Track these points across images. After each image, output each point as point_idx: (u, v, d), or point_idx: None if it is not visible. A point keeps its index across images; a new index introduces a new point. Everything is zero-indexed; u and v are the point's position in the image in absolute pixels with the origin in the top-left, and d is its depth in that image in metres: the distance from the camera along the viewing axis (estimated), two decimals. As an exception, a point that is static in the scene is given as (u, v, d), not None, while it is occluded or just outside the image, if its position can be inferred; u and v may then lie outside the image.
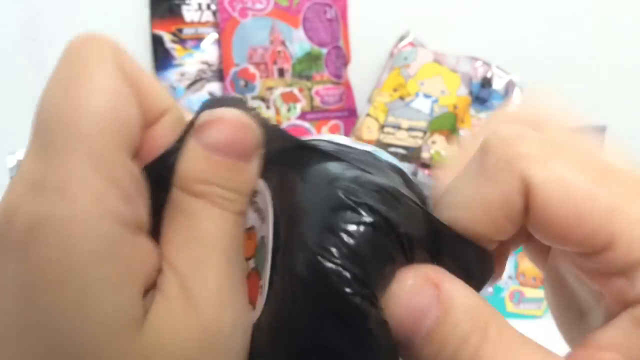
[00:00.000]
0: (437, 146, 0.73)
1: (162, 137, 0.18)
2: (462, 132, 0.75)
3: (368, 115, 0.76)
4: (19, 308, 0.14)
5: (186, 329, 0.15)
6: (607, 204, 0.15)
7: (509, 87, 0.80)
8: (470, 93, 0.78)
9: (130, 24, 0.79)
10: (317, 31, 0.79)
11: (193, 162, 0.17)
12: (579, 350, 0.16)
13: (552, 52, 0.85)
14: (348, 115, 0.82)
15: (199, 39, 0.79)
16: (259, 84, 0.78)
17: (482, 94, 0.80)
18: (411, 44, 0.80)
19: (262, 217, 0.18)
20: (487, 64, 0.80)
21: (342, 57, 0.81)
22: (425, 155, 0.72)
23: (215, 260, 0.16)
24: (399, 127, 0.74)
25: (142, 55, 0.79)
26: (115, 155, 0.15)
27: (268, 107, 0.78)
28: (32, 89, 0.79)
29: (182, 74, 0.78)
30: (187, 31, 0.79)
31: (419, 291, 0.15)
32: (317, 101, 0.80)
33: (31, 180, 0.15)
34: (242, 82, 0.78)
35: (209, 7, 0.79)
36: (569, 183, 0.15)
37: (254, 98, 0.78)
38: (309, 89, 0.79)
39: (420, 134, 0.73)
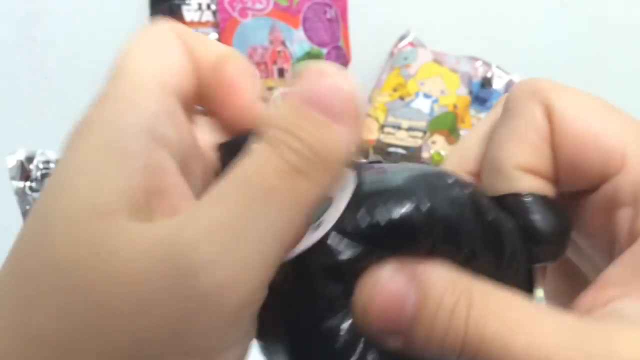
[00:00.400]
0: (437, 146, 0.73)
1: (236, 77, 0.18)
2: (462, 132, 0.75)
3: (368, 115, 0.76)
4: None
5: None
6: (620, 128, 0.17)
7: (509, 87, 0.80)
8: (470, 93, 0.78)
9: (130, 24, 0.79)
10: (317, 31, 0.79)
11: (278, 108, 0.15)
12: (586, 293, 0.16)
13: (552, 52, 0.85)
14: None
15: (199, 39, 0.79)
16: (259, 84, 0.78)
17: (482, 94, 0.80)
18: (411, 44, 0.80)
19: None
20: (487, 64, 0.80)
21: (342, 57, 0.81)
22: (425, 155, 0.72)
23: (237, 198, 0.14)
24: (399, 127, 0.74)
25: (142, 55, 0.79)
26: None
27: (268, 107, 0.78)
28: (32, 89, 0.79)
29: (182, 74, 0.78)
30: (187, 31, 0.79)
31: (391, 280, 0.15)
32: (317, 101, 0.80)
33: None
34: (242, 82, 0.78)
35: (209, 7, 0.79)
36: (587, 107, 0.17)
37: (254, 98, 0.78)
38: (309, 89, 0.80)
39: (420, 134, 0.73)
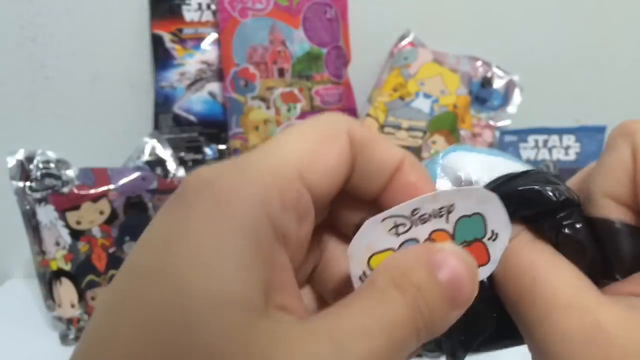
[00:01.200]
0: (437, 146, 0.73)
1: (419, 182, 0.20)
2: (462, 132, 0.75)
3: (368, 115, 0.76)
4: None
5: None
6: None
7: (509, 87, 0.80)
8: (470, 93, 0.78)
9: (130, 24, 0.79)
10: (317, 31, 0.79)
11: (411, 263, 0.18)
12: (613, 285, 0.20)
13: (552, 52, 0.85)
14: (348, 115, 0.82)
15: (199, 39, 0.79)
16: (259, 84, 0.78)
17: (482, 93, 0.80)
18: (411, 44, 0.80)
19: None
20: (487, 64, 0.80)
21: (342, 57, 0.81)
22: (425, 155, 0.72)
23: (380, 342, 0.16)
24: (399, 127, 0.74)
25: (142, 55, 0.79)
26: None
27: (268, 107, 0.78)
28: (32, 88, 0.79)
29: (182, 74, 0.78)
30: (187, 31, 0.79)
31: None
32: (317, 101, 0.80)
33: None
34: (242, 82, 0.78)
35: (209, 7, 0.79)
36: None
37: (254, 98, 0.78)
38: (309, 89, 0.79)
39: (420, 134, 0.73)
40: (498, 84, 0.80)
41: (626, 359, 0.17)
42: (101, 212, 0.67)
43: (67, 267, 0.67)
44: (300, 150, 0.17)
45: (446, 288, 0.17)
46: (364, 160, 0.19)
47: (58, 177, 0.67)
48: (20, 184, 0.66)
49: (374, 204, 0.20)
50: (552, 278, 0.19)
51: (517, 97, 0.80)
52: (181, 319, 0.14)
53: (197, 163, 0.79)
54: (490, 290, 0.22)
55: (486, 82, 0.80)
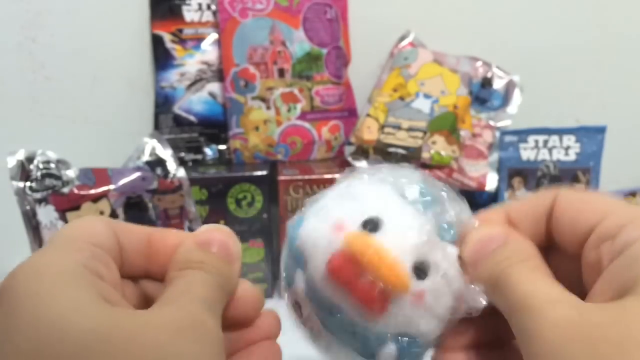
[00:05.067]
0: (437, 146, 0.73)
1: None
2: (462, 132, 0.75)
3: (368, 115, 0.76)
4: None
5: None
6: (604, 199, 0.23)
7: (509, 87, 0.80)
8: (470, 93, 0.78)
9: (130, 24, 0.79)
10: (317, 31, 0.79)
11: (189, 252, 0.25)
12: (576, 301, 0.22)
13: (552, 52, 0.85)
14: (348, 115, 0.82)
15: (199, 39, 0.79)
16: (259, 84, 0.78)
17: (482, 94, 0.80)
18: (411, 44, 0.80)
19: None
20: (487, 64, 0.80)
21: (342, 57, 0.81)
22: (425, 155, 0.72)
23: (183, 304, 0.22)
24: (399, 127, 0.74)
25: (142, 55, 0.79)
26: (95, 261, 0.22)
27: (268, 107, 0.78)
28: (32, 89, 0.79)
29: (182, 74, 0.78)
30: (187, 31, 0.79)
31: (495, 230, 0.25)
32: (317, 101, 0.80)
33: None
34: (242, 82, 0.78)
35: (209, 7, 0.79)
36: (581, 194, 0.24)
37: (254, 98, 0.78)
38: (309, 89, 0.79)
39: (420, 134, 0.73)
40: (498, 84, 0.80)
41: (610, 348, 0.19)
42: (101, 212, 0.67)
43: (67, 267, 0.67)
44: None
45: (220, 253, 0.25)
46: None
47: (58, 178, 0.67)
48: (21, 184, 0.66)
49: None
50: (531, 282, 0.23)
51: (517, 97, 0.80)
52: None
53: (197, 163, 0.79)
54: None
55: (486, 83, 0.80)
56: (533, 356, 0.20)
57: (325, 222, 0.26)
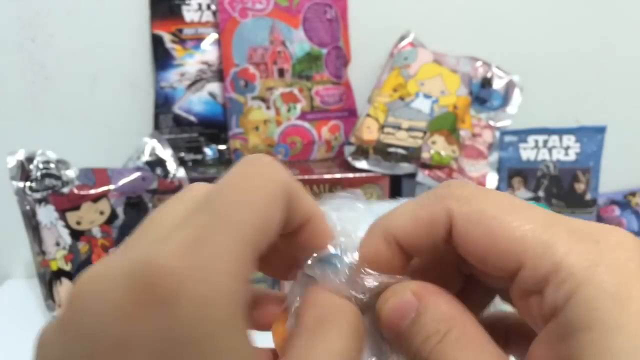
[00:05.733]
0: (437, 146, 0.73)
1: (304, 243, 0.21)
2: (462, 132, 0.75)
3: (368, 115, 0.76)
4: None
5: None
6: (517, 230, 0.18)
7: (509, 87, 0.80)
8: (470, 93, 0.78)
9: (130, 24, 0.79)
10: (317, 31, 0.79)
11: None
12: None
13: (552, 52, 0.85)
14: (348, 115, 0.82)
15: (199, 39, 0.79)
16: (259, 84, 0.78)
17: (482, 94, 0.80)
18: (411, 44, 0.80)
19: None
20: (487, 64, 0.80)
21: (342, 57, 0.81)
22: (425, 155, 0.72)
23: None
24: (399, 127, 0.74)
25: (142, 55, 0.79)
26: (250, 250, 0.17)
27: (268, 107, 0.78)
28: (32, 89, 0.79)
29: (182, 74, 0.78)
30: (187, 31, 0.79)
31: (403, 299, 0.20)
32: (317, 101, 0.80)
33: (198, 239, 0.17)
34: (242, 82, 0.78)
35: (209, 7, 0.79)
36: (485, 215, 0.19)
37: (254, 98, 0.78)
38: (309, 89, 0.79)
39: (420, 134, 0.73)
40: (498, 84, 0.80)
41: None
42: (101, 212, 0.67)
43: (67, 267, 0.67)
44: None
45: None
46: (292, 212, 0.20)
47: (58, 177, 0.67)
48: (21, 184, 0.66)
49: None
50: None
51: (517, 97, 0.80)
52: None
53: (197, 163, 0.79)
54: None
55: (486, 83, 0.80)
56: None
57: None
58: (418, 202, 0.21)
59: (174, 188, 0.71)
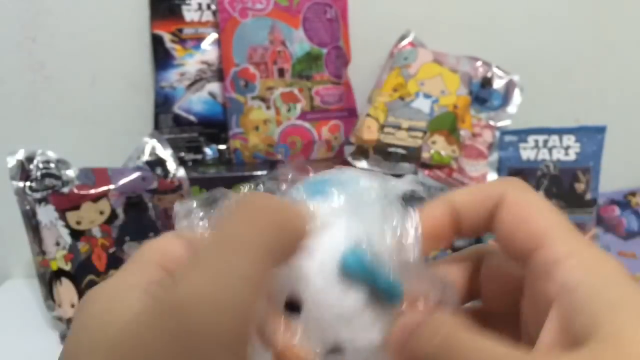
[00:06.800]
0: (437, 146, 0.73)
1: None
2: (462, 132, 0.75)
3: (368, 115, 0.76)
4: None
5: None
6: (548, 220, 0.22)
7: (509, 87, 0.80)
8: (470, 93, 0.78)
9: (130, 24, 0.79)
10: (317, 31, 0.79)
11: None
12: (528, 356, 0.20)
13: (552, 52, 0.85)
14: (348, 115, 0.82)
15: (199, 39, 0.79)
16: (259, 84, 0.78)
17: (482, 94, 0.80)
18: (411, 44, 0.80)
19: None
20: (487, 64, 0.80)
21: (342, 57, 0.81)
22: (425, 155, 0.72)
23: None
24: (399, 127, 0.74)
25: (142, 55, 0.79)
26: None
27: (268, 107, 0.78)
28: (32, 88, 0.79)
29: (182, 74, 0.78)
30: (187, 31, 0.79)
31: (412, 318, 0.22)
32: (317, 101, 0.80)
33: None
34: (242, 82, 0.78)
35: (209, 7, 0.79)
36: (529, 203, 0.22)
37: (254, 98, 0.78)
38: (309, 89, 0.79)
39: (420, 134, 0.73)
40: (498, 84, 0.80)
41: None
42: (101, 212, 0.67)
43: (67, 267, 0.67)
44: None
45: None
46: None
47: (58, 177, 0.67)
48: (20, 184, 0.66)
49: None
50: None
51: (517, 97, 0.80)
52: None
53: (197, 163, 0.79)
54: None
55: (486, 82, 0.80)
56: None
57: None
58: (483, 183, 0.24)
59: (174, 188, 0.71)
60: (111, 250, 0.68)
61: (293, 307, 0.23)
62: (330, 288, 0.22)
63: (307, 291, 0.22)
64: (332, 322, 0.22)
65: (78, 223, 0.67)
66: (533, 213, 0.22)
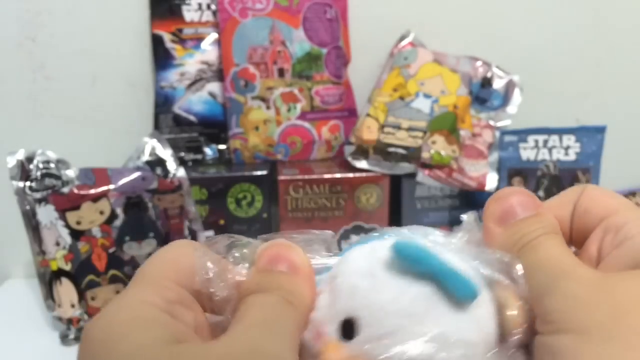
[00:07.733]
0: (437, 146, 0.73)
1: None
2: (462, 132, 0.75)
3: (368, 115, 0.76)
4: None
5: None
6: (616, 200, 0.26)
7: (509, 87, 0.80)
8: (470, 93, 0.78)
9: (130, 24, 0.79)
10: (317, 31, 0.79)
11: (249, 280, 0.24)
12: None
13: (552, 52, 0.85)
14: (348, 115, 0.82)
15: (199, 39, 0.79)
16: (259, 84, 0.78)
17: (482, 94, 0.80)
18: (411, 44, 0.80)
19: None
20: (487, 64, 0.80)
21: (342, 57, 0.81)
22: (425, 155, 0.72)
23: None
24: (399, 127, 0.74)
25: (142, 55, 0.79)
26: (167, 288, 0.22)
27: (268, 107, 0.78)
28: (32, 88, 0.79)
29: (182, 74, 0.78)
30: (187, 31, 0.79)
31: (527, 198, 0.26)
32: (317, 101, 0.80)
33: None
34: (242, 82, 0.78)
35: (209, 7, 0.79)
36: (603, 195, 0.26)
37: (254, 98, 0.78)
38: (309, 89, 0.79)
39: (420, 134, 0.73)
40: (498, 84, 0.80)
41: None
42: (101, 212, 0.67)
43: (67, 267, 0.67)
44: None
45: (279, 267, 0.24)
46: None
47: (58, 177, 0.67)
48: (20, 184, 0.66)
49: None
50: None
51: (517, 97, 0.80)
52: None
53: (197, 163, 0.79)
54: None
55: (486, 82, 0.80)
56: (554, 312, 0.22)
57: (310, 324, 0.22)
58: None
59: (174, 188, 0.71)
60: (111, 250, 0.68)
61: (348, 331, 0.21)
62: (384, 287, 0.21)
63: (356, 300, 0.21)
64: (396, 323, 0.20)
65: (78, 223, 0.67)
66: (607, 195, 0.26)
